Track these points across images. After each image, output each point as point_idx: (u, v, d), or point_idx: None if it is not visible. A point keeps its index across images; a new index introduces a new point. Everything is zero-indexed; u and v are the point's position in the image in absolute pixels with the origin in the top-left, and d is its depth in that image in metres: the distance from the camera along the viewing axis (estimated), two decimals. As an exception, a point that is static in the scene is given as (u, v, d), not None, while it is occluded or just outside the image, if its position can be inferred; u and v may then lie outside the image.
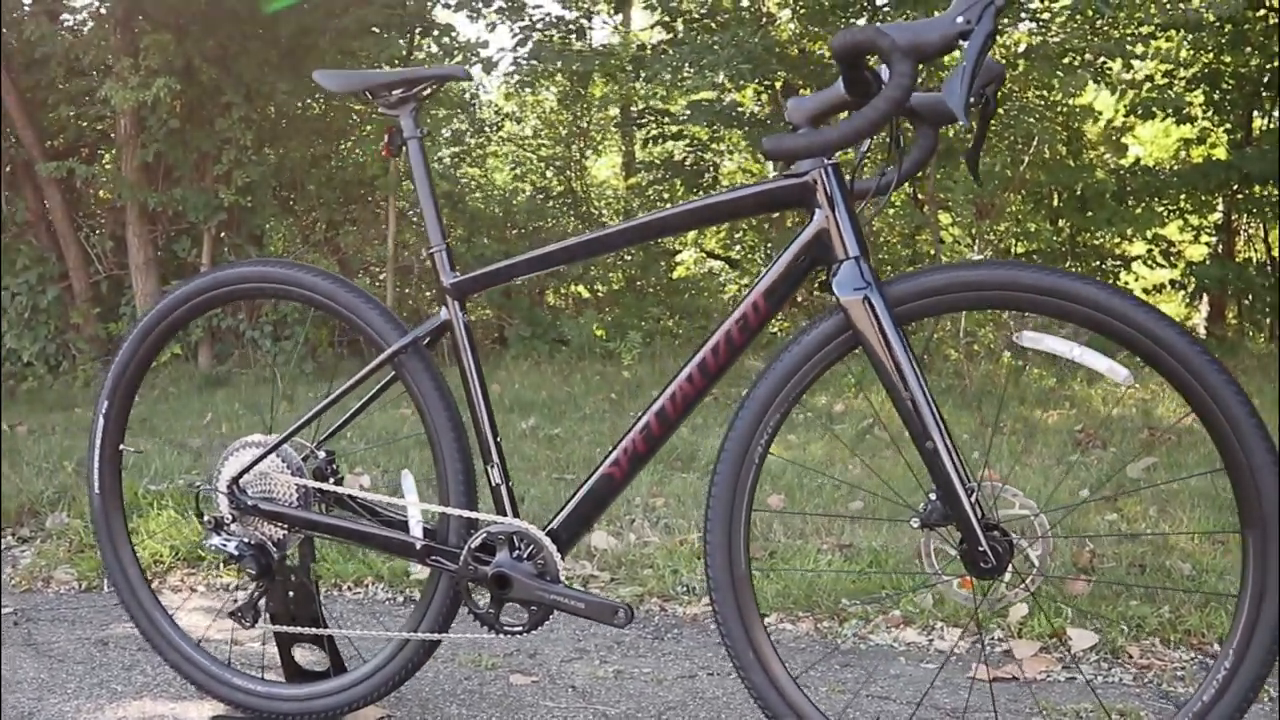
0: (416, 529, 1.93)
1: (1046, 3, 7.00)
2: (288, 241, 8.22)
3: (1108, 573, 2.94)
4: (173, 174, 7.80)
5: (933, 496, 1.69)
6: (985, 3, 1.45)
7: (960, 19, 1.47)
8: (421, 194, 1.92)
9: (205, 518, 2.02)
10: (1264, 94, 9.19)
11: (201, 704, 2.18)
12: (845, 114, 1.65)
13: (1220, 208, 9.70)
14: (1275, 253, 9.82)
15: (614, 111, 10.84)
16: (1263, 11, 9.08)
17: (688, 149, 10.19)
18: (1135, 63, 8.53)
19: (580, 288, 10.19)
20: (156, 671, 2.39)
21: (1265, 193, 9.00)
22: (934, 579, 1.74)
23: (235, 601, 2.15)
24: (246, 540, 1.98)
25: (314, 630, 2.05)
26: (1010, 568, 1.68)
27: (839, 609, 2.83)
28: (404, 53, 8.28)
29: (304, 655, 2.16)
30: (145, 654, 2.50)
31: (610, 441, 5.09)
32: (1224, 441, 1.60)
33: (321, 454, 2.03)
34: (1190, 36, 9.02)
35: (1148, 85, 9.00)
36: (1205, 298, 10.53)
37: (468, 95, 9.51)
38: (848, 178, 1.72)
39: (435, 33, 7.69)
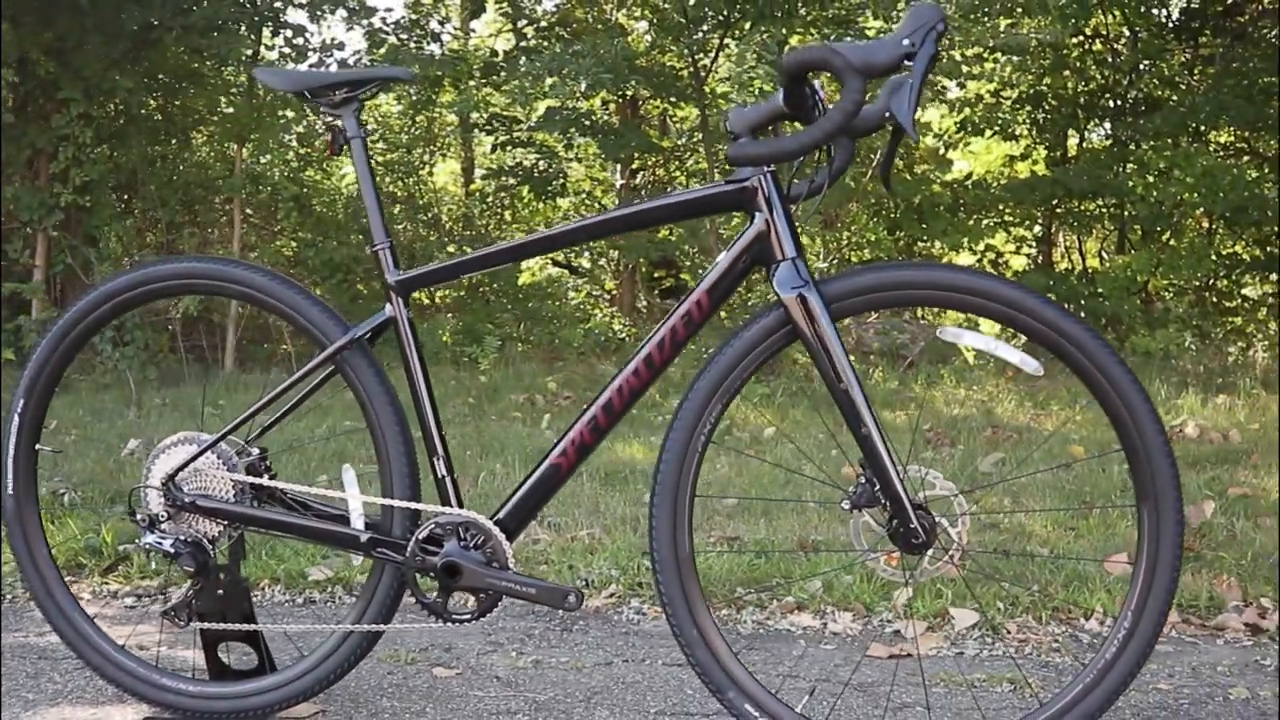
0: (358, 522, 1.96)
1: (887, 24, 7.34)
2: (126, 242, 7.93)
3: (978, 558, 3.16)
4: (5, 171, 7.43)
5: (862, 480, 1.82)
6: (928, 27, 1.59)
7: (906, 41, 1.61)
8: (365, 192, 1.96)
9: (138, 515, 1.99)
10: (1080, 115, 9.86)
11: (125, 707, 2.15)
12: (787, 125, 1.78)
13: (1040, 221, 10.35)
14: (1089, 262, 10.54)
15: (452, 118, 10.83)
16: (1079, 38, 9.75)
17: (536, 156, 10.26)
18: (968, 82, 9.04)
19: (421, 294, 10.12)
20: (66, 678, 2.33)
21: (1082, 207, 9.65)
22: (863, 556, 1.87)
23: (165, 601, 2.12)
24: (182, 538, 1.97)
25: (250, 626, 2.05)
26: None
27: (734, 598, 2.96)
28: (250, 52, 8.09)
29: (227, 654, 2.15)
30: (48, 662, 2.44)
31: (478, 444, 5.14)
32: (1122, 426, 1.78)
33: (255, 451, 2.04)
34: (1015, 59, 9.61)
35: (979, 105, 9.53)
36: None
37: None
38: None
39: (288, 33, 7.54)
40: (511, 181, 10.40)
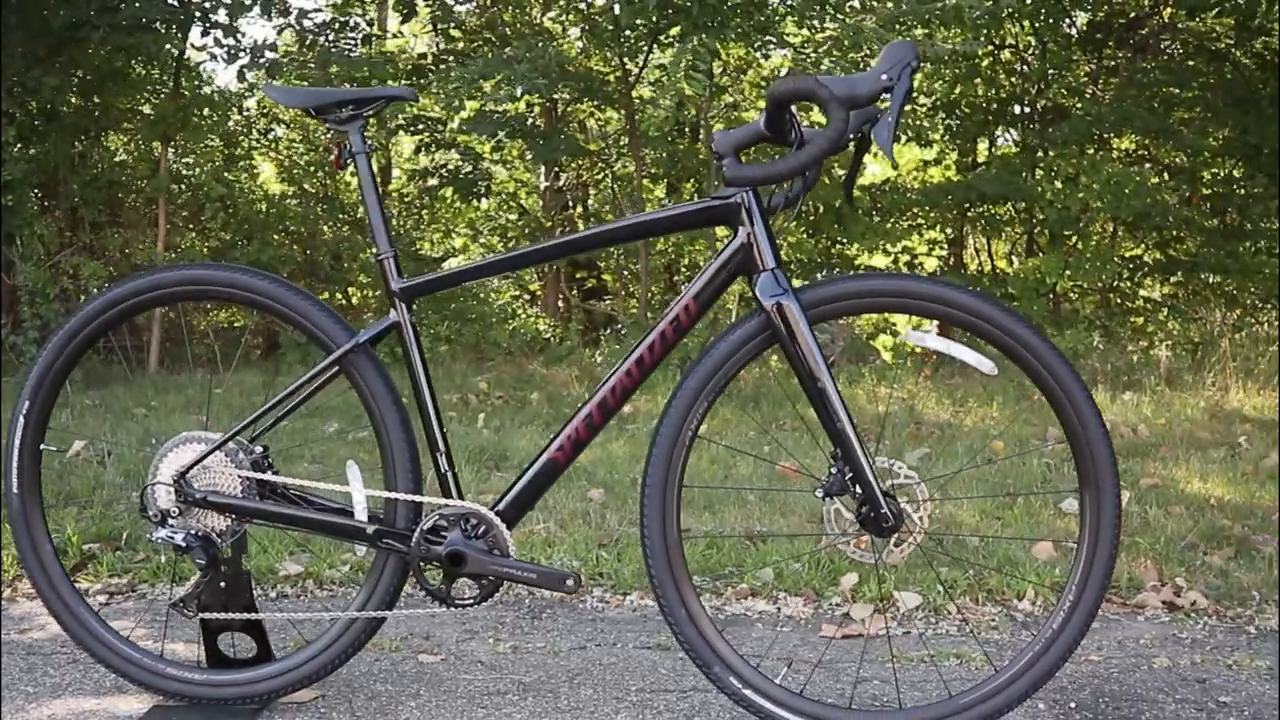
0: (362, 514, 2.07)
1: (810, 34, 7.58)
2: (47, 242, 7.81)
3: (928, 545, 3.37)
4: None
5: (833, 470, 2.00)
6: (904, 64, 1.77)
7: (884, 76, 1.78)
8: (369, 205, 2.07)
9: (150, 511, 2.08)
10: (991, 122, 10.25)
11: (129, 697, 2.23)
12: (773, 148, 1.95)
13: (952, 224, 10.72)
14: (998, 264, 10.95)
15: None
16: (990, 48, 10.13)
17: (461, 158, 10.32)
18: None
19: (345, 293, 10.12)
20: (61, 671, 2.40)
21: (992, 211, 10.04)
22: (835, 539, 2.05)
23: (172, 595, 2.20)
24: (193, 532, 2.07)
25: (256, 615, 2.15)
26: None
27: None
28: (178, 51, 8.04)
29: (226, 645, 2.25)
30: (40, 657, 2.50)
31: (419, 443, 5.22)
32: (1066, 417, 1.99)
33: (258, 449, 2.14)
34: (928, 68, 9.95)
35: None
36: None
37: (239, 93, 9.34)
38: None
39: (218, 33, 7.51)
40: (434, 183, 10.46)
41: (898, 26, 7.77)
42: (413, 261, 10.87)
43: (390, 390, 2.07)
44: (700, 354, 2.01)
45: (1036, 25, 9.97)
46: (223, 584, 2.14)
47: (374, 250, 2.08)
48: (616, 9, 6.84)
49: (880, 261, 10.40)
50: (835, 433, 1.95)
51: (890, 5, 6.20)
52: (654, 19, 6.71)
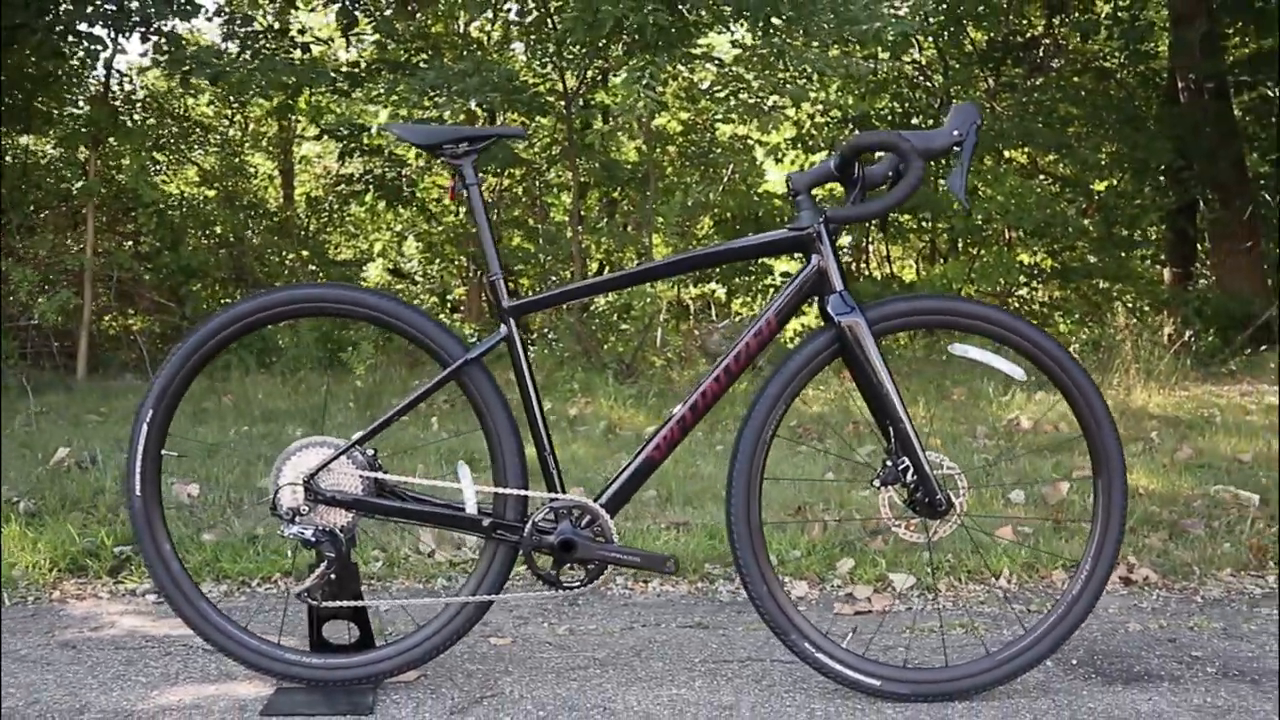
0: (472, 508, 2.32)
1: (743, 52, 7.95)
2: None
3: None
4: None
5: (887, 463, 2.33)
6: (971, 122, 2.11)
7: (955, 132, 2.11)
8: (480, 231, 2.32)
9: (282, 509, 2.29)
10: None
11: (242, 683, 2.43)
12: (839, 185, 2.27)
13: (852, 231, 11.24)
14: (897, 270, 11.54)
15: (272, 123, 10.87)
16: (895, 63, 10.69)
17: (385, 164, 10.43)
18: (798, 104, 9.78)
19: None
20: (162, 663, 2.57)
21: (900, 220, 10.60)
22: (891, 524, 2.37)
23: (296, 586, 2.38)
24: (321, 527, 2.28)
25: (372, 603, 2.37)
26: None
27: (706, 572, 3.42)
28: (108, 53, 8.01)
29: (329, 631, 2.46)
30: (132, 651, 2.67)
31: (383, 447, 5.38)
32: (1082, 416, 2.35)
33: (370, 451, 2.37)
34: (840, 82, 10.45)
35: (809, 124, 10.32)
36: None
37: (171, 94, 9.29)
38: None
39: (159, 39, 7.50)
40: (357, 188, 10.56)
41: (815, 45, 8.21)
42: (332, 266, 10.95)
43: (501, 398, 2.32)
44: (777, 365, 2.31)
45: (940, 43, 10.55)
46: (333, 575, 2.35)
47: (488, 272, 2.32)
48: (558, 24, 7.08)
49: (792, 267, 10.88)
50: (897, 432, 2.28)
51: (827, 25, 6.57)
52: (599, 42, 6.97)
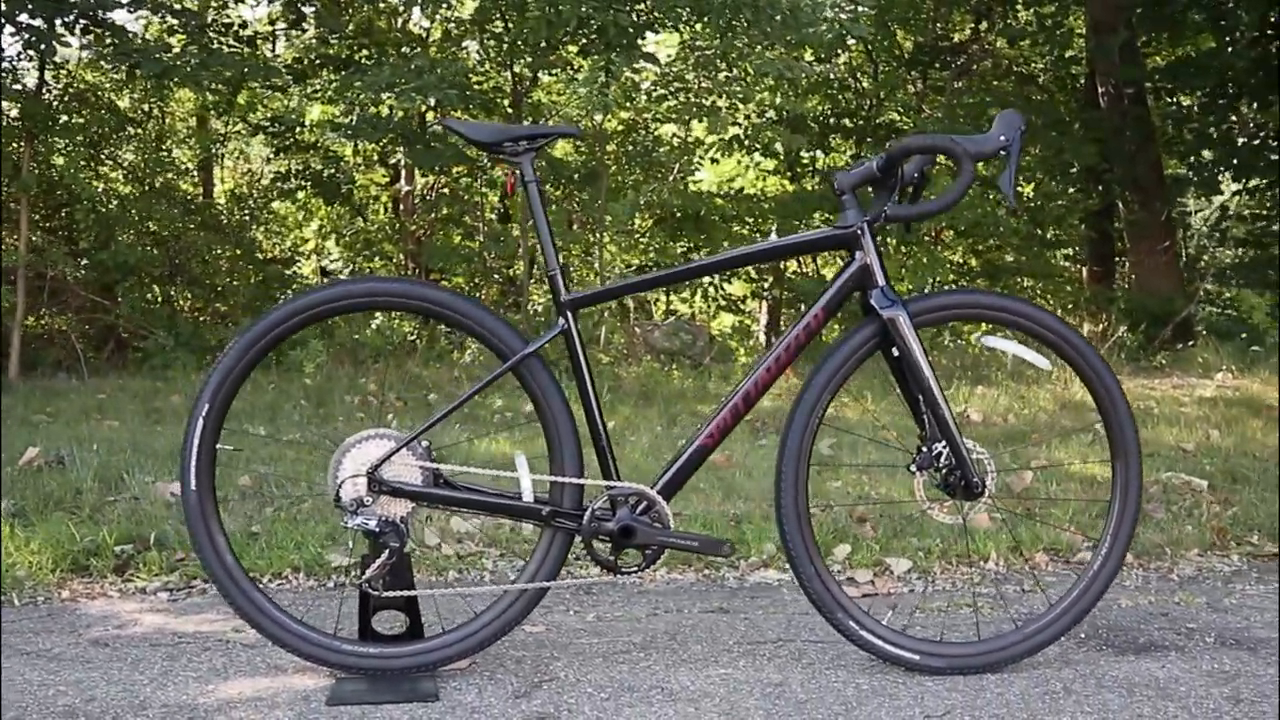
0: (529, 497, 2.38)
1: (682, 50, 8.07)
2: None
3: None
4: None
5: (923, 449, 2.45)
6: (1016, 128, 2.24)
7: (1002, 138, 2.25)
8: (539, 227, 2.38)
9: (345, 501, 2.32)
10: (829, 137, 11.05)
11: (300, 675, 2.45)
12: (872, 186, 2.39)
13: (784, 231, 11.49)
14: (815, 267, 11.80)
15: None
16: (826, 66, 10.91)
17: (323, 160, 10.34)
18: (739, 105, 9.95)
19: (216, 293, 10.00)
20: (207, 657, 2.59)
21: (835, 218, 10.81)
22: (924, 507, 2.50)
23: (359, 575, 2.42)
24: (384, 517, 2.33)
25: (433, 592, 2.42)
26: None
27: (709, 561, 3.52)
28: (46, 48, 7.82)
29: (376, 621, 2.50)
30: (170, 647, 2.67)
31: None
32: (1102, 403, 2.51)
33: (426, 442, 2.42)
34: (771, 82, 10.64)
35: (746, 125, 10.49)
36: (764, 305, 12.48)
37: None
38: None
39: (100, 30, 7.34)
40: (288, 185, 10.44)
41: (759, 47, 8.37)
42: (268, 265, 10.81)
43: (559, 390, 2.39)
44: (823, 356, 2.42)
45: (870, 46, 10.81)
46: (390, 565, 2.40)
47: (546, 268, 2.38)
48: (511, 23, 7.13)
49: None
50: (937, 418, 2.40)
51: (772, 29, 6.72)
52: (546, 41, 7.03)
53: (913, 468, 2.47)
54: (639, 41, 7.11)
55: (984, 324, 2.50)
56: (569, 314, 2.39)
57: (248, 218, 11.44)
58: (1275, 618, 2.97)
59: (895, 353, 2.41)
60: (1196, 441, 5.25)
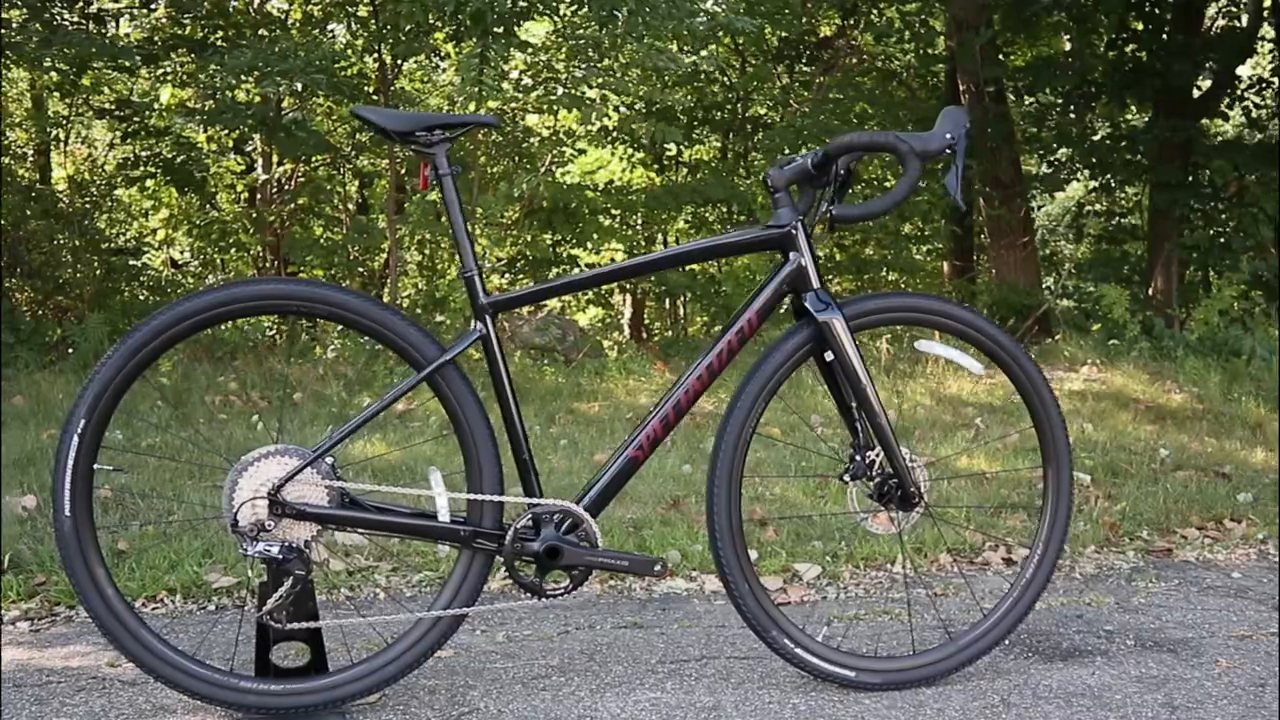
0: (445, 516, 2.20)
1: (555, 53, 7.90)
2: None
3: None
4: None
5: (855, 458, 2.37)
6: (963, 126, 2.16)
7: (948, 135, 2.16)
8: (454, 224, 2.20)
9: (244, 526, 2.10)
10: (697, 129, 11.01)
11: (194, 717, 2.22)
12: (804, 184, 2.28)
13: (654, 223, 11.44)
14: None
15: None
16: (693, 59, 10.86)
17: (174, 147, 9.81)
18: (610, 95, 9.83)
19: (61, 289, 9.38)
20: (102, 698, 2.33)
21: (703, 212, 10.82)
22: (858, 518, 2.41)
23: (256, 606, 2.19)
24: (287, 543, 2.12)
25: (346, 621, 2.22)
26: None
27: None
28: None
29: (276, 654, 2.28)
30: (60, 683, 2.40)
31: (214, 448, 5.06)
32: (1034, 408, 2.47)
33: (330, 460, 2.21)
34: (640, 73, 10.55)
35: (616, 117, 10.37)
36: (629, 298, 12.43)
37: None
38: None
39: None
40: (136, 173, 9.88)
41: (631, 34, 8.24)
42: (114, 255, 10.22)
43: (477, 401, 2.21)
44: (757, 361, 2.31)
45: (738, 41, 10.81)
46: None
47: (462, 268, 2.20)
48: (379, 6, 6.84)
49: (590, 258, 10.95)
50: (875, 427, 2.31)
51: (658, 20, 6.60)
52: (417, 23, 6.78)
53: (846, 477, 2.38)
54: (514, 29, 6.91)
55: (919, 328, 2.43)
56: (487, 317, 2.22)
57: (90, 205, 10.81)
58: (1184, 617, 3.00)
59: (828, 358, 2.32)
60: (1074, 436, 5.35)
